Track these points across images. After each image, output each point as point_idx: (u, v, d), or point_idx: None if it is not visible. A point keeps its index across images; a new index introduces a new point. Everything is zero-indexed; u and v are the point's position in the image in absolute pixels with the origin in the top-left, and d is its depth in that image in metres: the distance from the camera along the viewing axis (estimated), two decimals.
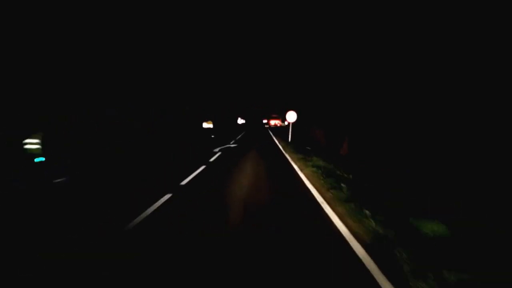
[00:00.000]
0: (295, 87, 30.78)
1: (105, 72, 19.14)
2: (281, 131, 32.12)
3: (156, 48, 25.67)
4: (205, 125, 27.17)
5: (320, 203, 5.40)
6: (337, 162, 10.29)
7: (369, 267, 3.14)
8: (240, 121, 58.45)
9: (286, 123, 48.90)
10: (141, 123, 21.02)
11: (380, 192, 5.93)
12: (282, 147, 14.95)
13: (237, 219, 4.42)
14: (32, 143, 6.99)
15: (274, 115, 50.93)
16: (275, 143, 17.78)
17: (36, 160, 7.05)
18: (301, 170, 8.65)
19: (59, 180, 6.42)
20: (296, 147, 14.62)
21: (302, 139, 19.91)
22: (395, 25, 12.74)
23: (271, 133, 27.97)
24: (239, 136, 22.44)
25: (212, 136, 21.98)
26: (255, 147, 14.98)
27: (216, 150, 12.89)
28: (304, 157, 10.81)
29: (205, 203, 5.15)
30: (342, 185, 6.37)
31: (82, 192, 5.65)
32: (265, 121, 61.62)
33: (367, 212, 4.64)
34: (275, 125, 49.32)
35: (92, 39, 17.45)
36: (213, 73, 45.10)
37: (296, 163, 9.76)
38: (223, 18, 51.56)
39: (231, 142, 17.00)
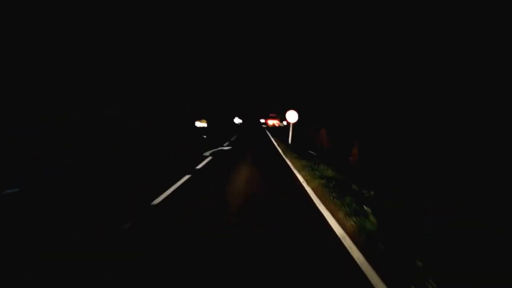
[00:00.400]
0: (296, 85, 29.22)
1: (105, 72, 18.72)
2: (279, 132, 30.51)
3: (154, 45, 24.42)
4: (198, 124, 25.46)
5: (341, 238, 3.83)
6: (348, 170, 8.71)
7: None
8: (237, 120, 56.83)
9: (284, 123, 47.28)
10: (141, 123, 19.83)
11: (423, 222, 4.35)
12: (282, 151, 13.36)
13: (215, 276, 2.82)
14: None
15: (272, 115, 49.21)
16: (274, 145, 16.18)
17: None
18: (307, 182, 7.06)
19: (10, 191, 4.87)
20: (298, 151, 13.03)
21: (302, 142, 18.33)
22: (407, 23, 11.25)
23: (269, 134, 26.38)
24: (234, 137, 20.83)
25: (204, 136, 20.40)
26: (251, 150, 13.37)
27: (207, 154, 11.26)
28: (309, 164, 9.22)
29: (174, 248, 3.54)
30: (366, 208, 4.79)
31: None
32: (262, 120, 59.93)
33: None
34: (273, 125, 47.64)
35: (92, 40, 16.99)
36: (210, 71, 43.43)
37: (300, 172, 8.17)
38: (220, 14, 49.82)
39: (225, 144, 15.37)
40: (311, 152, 13.04)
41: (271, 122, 47.97)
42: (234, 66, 57.70)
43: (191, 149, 12.86)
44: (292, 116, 17.38)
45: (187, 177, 7.11)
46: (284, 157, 11.48)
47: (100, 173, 7.18)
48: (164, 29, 26.65)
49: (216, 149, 12.81)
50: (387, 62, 12.98)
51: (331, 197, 5.54)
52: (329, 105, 16.85)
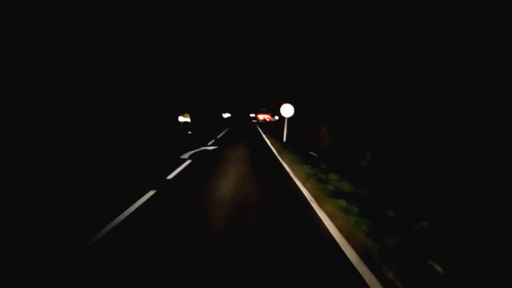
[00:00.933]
0: (291, 77, 27.13)
1: (104, 73, 18.56)
2: (270, 127, 28.44)
3: (147, 42, 22.53)
4: (181, 119, 23.10)
5: None
6: (363, 178, 6.72)
7: None
8: (225, 115, 54.47)
9: (276, 118, 45.23)
10: (135, 121, 18.24)
11: None
12: (277, 151, 11.31)
13: None
14: None
15: (262, 109, 47.02)
16: (267, 144, 14.10)
17: None
18: (319, 202, 5.00)
19: None
20: (296, 152, 10.99)
21: (298, 140, 16.35)
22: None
23: (260, 130, 24.27)
24: (221, 134, 18.63)
25: (189, 133, 18.19)
26: (240, 151, 11.25)
27: (185, 156, 9.09)
28: (314, 172, 7.20)
29: None
30: (437, 267, 2.78)
31: None
32: (252, 115, 57.61)
33: None
34: (264, 119, 45.54)
35: (92, 40, 16.99)
36: (196, 62, 40.80)
37: (304, 185, 6.12)
38: (211, 4, 46.96)
39: (210, 143, 13.19)
40: (312, 153, 11.02)
41: (261, 116, 45.82)
42: (223, 58, 55.12)
43: (171, 148, 10.66)
44: (287, 110, 15.34)
45: (149, 195, 4.98)
46: (280, 160, 9.42)
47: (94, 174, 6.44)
48: (150, 18, 24.66)
49: (198, 150, 10.64)
50: (397, 53, 11.11)
51: (369, 242, 3.47)
52: (332, 100, 14.83)
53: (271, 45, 45.23)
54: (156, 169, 7.14)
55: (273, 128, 26.65)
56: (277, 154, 10.64)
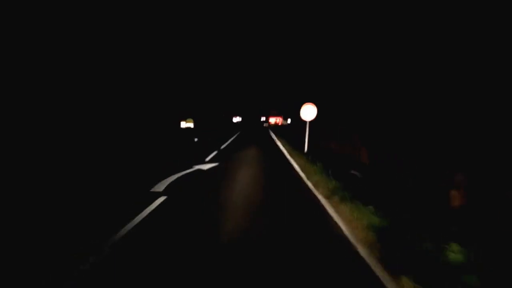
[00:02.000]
0: (308, 75, 23.62)
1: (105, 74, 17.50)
2: (284, 132, 24.99)
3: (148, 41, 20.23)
4: (184, 124, 20.02)
5: None
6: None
7: None
8: (236, 119, 51.33)
9: (288, 121, 41.72)
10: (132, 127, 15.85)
11: None
12: (302, 170, 7.88)
13: None
14: None
15: (273, 112, 43.64)
16: (285, 157, 10.65)
17: None
18: None
19: None
20: (330, 171, 7.49)
21: (318, 148, 12.87)
22: None
23: (273, 136, 20.82)
24: (228, 142, 15.30)
25: (196, 140, 15.10)
26: (248, 172, 7.86)
27: (161, 188, 5.72)
28: (394, 235, 3.70)
29: None
30: None
31: None
32: (263, 118, 54.17)
33: None
34: (276, 123, 42.13)
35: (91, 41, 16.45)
36: (204, 65, 37.86)
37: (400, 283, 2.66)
38: (218, 6, 44.14)
39: (209, 158, 9.83)
40: (354, 173, 7.50)
41: (273, 120, 42.44)
42: (232, 60, 52.14)
43: (152, 167, 7.36)
44: (308, 112, 11.86)
45: None
46: (313, 189, 5.97)
47: None
48: (156, 21, 22.47)
49: (188, 171, 7.30)
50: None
51: None
52: (369, 98, 11.23)
53: (281, 42, 41.87)
54: (109, 218, 3.83)
55: (286, 133, 23.21)
56: (304, 176, 7.20)
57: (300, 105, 13.81)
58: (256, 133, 23.70)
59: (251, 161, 9.36)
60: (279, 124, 41.57)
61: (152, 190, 5.44)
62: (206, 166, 8.04)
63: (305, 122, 12.35)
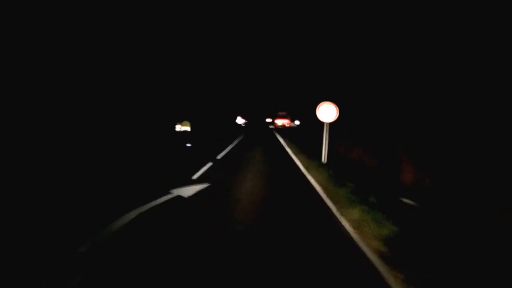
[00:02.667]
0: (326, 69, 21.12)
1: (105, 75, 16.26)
2: (293, 134, 22.53)
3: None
4: (179, 127, 17.67)
5: None
6: None
7: None
8: (240, 120, 48.97)
9: (296, 122, 39.10)
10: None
11: None
12: (325, 191, 5.52)
13: None
14: None
15: (280, 113, 40.97)
16: (301, 173, 8.17)
17: None
18: None
19: None
20: (368, 198, 5.04)
21: (338, 157, 10.46)
22: None
23: (280, 140, 18.36)
24: (228, 149, 12.91)
25: (188, 145, 12.88)
26: (251, 190, 5.51)
27: (98, 238, 3.37)
28: None
29: None
30: None
31: None
32: (268, 120, 51.51)
33: None
34: (283, 125, 39.53)
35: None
36: (206, 64, 35.59)
37: None
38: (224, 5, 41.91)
39: (199, 174, 7.41)
40: (406, 201, 5.04)
41: (280, 122, 39.80)
42: (237, 58, 49.88)
43: (122, 184, 5.00)
44: (327, 113, 9.48)
45: None
46: (360, 245, 3.52)
47: None
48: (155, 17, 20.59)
49: (158, 201, 4.91)
50: None
51: None
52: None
53: (289, 40, 39.27)
54: None
55: (294, 134, 20.72)
56: (332, 207, 4.77)
57: (312, 105, 11.39)
58: (261, 137, 21.27)
59: (253, 177, 6.94)
60: (287, 126, 38.95)
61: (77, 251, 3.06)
62: (189, 191, 5.63)
63: (321, 124, 9.91)
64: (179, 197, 5.18)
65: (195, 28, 32.80)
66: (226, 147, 13.52)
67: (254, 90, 58.51)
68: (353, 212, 4.48)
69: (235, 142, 16.37)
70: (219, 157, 10.32)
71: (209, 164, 8.59)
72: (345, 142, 12.08)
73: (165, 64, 22.85)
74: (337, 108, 9.50)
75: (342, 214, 4.48)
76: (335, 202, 5.07)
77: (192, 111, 25.41)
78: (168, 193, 5.35)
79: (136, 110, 18.05)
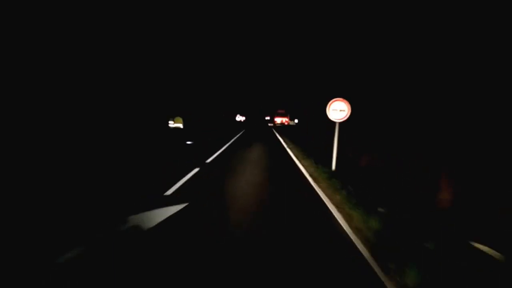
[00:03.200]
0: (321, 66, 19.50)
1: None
2: (292, 134, 20.88)
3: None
4: (172, 124, 15.87)
5: None
6: None
7: None
8: (239, 118, 47.34)
9: (295, 121, 37.49)
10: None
11: None
12: (346, 218, 3.85)
13: None
14: None
15: (280, 111, 39.31)
16: (308, 183, 6.52)
17: None
18: None
19: None
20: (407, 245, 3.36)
21: (350, 164, 8.83)
22: None
23: (280, 139, 16.70)
24: (220, 150, 11.24)
25: (189, 143, 11.50)
26: (243, 213, 3.86)
27: None
28: None
29: None
30: None
31: None
32: (267, 118, 49.82)
33: None
34: (282, 123, 37.92)
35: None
36: (206, 61, 33.77)
37: None
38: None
39: (178, 185, 5.74)
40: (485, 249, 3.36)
41: (279, 120, 38.16)
42: (235, 56, 48.07)
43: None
44: (338, 111, 7.86)
45: None
46: None
47: None
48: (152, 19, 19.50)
49: (96, 245, 3.26)
50: None
51: None
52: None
53: (287, 38, 37.44)
54: None
55: (293, 133, 19.02)
56: (367, 257, 3.11)
57: (312, 105, 9.70)
58: (259, 136, 19.60)
59: (249, 193, 5.28)
60: (286, 124, 37.30)
61: None
62: (151, 218, 3.94)
63: (325, 123, 8.32)
64: (131, 231, 3.50)
65: (195, 26, 31.11)
66: (222, 146, 11.88)
67: (254, 90, 56.77)
68: (410, 277, 2.79)
69: (232, 141, 14.74)
70: (209, 160, 8.63)
71: (195, 171, 6.91)
72: (353, 144, 10.39)
73: (163, 61, 21.17)
74: (349, 105, 7.88)
75: (380, 269, 2.84)
76: (364, 242, 3.42)
77: (187, 108, 23.69)
78: (122, 223, 3.67)
79: (126, 107, 16.37)
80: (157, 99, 20.31)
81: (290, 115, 38.37)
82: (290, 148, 12.71)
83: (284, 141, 16.00)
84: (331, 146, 7.74)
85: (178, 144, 12.80)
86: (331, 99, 8.24)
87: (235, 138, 17.86)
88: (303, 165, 8.49)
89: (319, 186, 6.10)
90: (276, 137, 18.79)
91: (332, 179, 6.43)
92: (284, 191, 5.84)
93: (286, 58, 38.90)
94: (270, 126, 38.01)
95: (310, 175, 7.17)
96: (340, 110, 7.87)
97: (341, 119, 7.81)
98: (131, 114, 16.42)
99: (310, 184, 6.40)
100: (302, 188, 6.05)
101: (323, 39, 19.87)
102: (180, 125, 15.77)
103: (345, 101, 7.91)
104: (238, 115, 47.48)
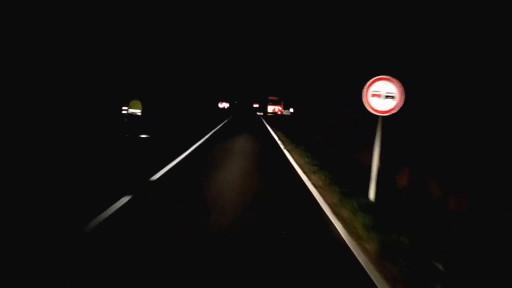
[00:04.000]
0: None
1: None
2: (288, 127, 17.53)
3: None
4: (126, 110, 12.09)
5: None
6: None
7: None
8: (222, 104, 43.63)
9: (291, 110, 33.96)
10: None
11: None
12: None
13: None
14: None
15: (272, 98, 35.52)
16: (339, 236, 3.19)
17: None
18: None
19: None
20: None
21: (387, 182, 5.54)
22: None
23: (277, 139, 13.27)
24: (188, 151, 7.79)
25: (143, 137, 8.16)
26: None
27: None
28: None
29: None
30: None
31: None
32: (256, 105, 45.32)
33: None
34: (274, 112, 34.38)
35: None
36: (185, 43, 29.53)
37: None
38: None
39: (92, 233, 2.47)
40: None
41: (271, 108, 34.55)
42: (221, 38, 43.77)
43: None
44: (383, 96, 4.59)
45: None
46: None
47: None
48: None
49: None
50: None
51: None
52: None
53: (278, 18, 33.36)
54: None
55: (291, 128, 15.47)
56: None
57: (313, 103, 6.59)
58: (246, 130, 16.19)
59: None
60: (279, 113, 33.72)
61: None
62: None
63: (378, 118, 5.01)
64: None
65: (177, 12, 27.02)
66: (192, 144, 8.47)
67: (242, 74, 52.70)
68: None
69: (208, 135, 11.38)
70: (154, 177, 5.12)
71: (127, 199, 3.50)
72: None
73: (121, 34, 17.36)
74: (402, 88, 4.58)
75: None
76: None
77: (153, 89, 19.94)
78: None
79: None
80: (113, 79, 16.48)
81: (284, 103, 34.70)
82: (288, 150, 9.39)
83: (281, 140, 12.65)
84: (377, 162, 4.41)
85: (124, 138, 9.30)
86: (339, 87, 5.12)
87: (216, 128, 14.40)
88: (324, 199, 5.00)
89: (361, 246, 2.78)
90: (269, 136, 15.19)
91: (381, 237, 3.08)
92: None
93: (279, 36, 35.08)
94: (259, 115, 34.41)
95: (337, 216, 3.82)
96: (387, 96, 4.58)
97: (389, 111, 4.53)
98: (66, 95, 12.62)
99: (342, 238, 3.07)
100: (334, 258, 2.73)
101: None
102: (138, 111, 11.98)
103: (394, 80, 4.60)
104: (221, 102, 43.62)
